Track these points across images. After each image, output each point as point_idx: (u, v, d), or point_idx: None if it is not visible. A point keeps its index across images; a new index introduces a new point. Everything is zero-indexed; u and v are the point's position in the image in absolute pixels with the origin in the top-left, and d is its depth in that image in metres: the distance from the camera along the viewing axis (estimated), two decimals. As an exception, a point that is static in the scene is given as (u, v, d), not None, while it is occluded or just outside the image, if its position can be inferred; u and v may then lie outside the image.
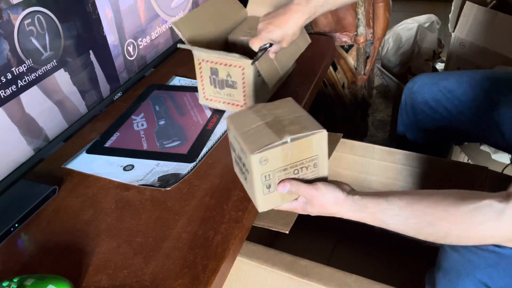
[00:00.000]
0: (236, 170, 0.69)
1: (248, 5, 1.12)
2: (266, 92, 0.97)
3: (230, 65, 0.89)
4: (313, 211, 0.64)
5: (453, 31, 1.58)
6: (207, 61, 0.91)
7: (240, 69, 0.89)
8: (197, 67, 0.94)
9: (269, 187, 0.61)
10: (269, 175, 0.60)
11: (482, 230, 0.55)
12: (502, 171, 0.94)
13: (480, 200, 0.55)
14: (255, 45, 0.84)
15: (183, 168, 0.82)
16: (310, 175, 0.63)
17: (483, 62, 1.44)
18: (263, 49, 0.84)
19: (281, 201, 0.64)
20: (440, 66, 1.97)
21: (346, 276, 0.71)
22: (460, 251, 0.71)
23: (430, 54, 1.86)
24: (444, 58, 1.92)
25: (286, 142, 0.58)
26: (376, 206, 0.60)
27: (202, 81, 0.96)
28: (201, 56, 0.92)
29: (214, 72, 0.92)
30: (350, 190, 0.63)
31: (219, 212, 0.72)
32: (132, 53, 1.08)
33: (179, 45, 0.91)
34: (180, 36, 0.91)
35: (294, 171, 0.61)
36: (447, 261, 0.73)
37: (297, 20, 0.82)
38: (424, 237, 0.59)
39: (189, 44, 0.90)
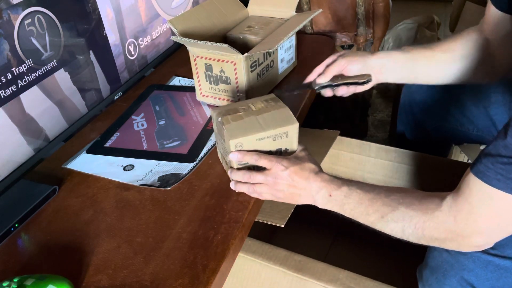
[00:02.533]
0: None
1: (249, 4, 1.12)
2: (262, 88, 0.98)
3: (223, 61, 0.89)
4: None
5: (453, 31, 1.58)
6: (202, 57, 0.92)
7: (232, 65, 0.89)
8: (192, 63, 0.95)
9: None
10: None
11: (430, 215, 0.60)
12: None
13: (433, 194, 0.61)
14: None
15: (183, 168, 0.82)
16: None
17: (483, 62, 1.44)
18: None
19: None
20: (440, 66, 1.97)
21: (338, 272, 0.72)
22: (450, 250, 0.70)
23: (430, 54, 1.86)
24: (444, 58, 1.91)
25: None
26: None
27: (198, 77, 0.96)
28: (195, 52, 0.92)
29: (208, 68, 0.93)
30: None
31: (219, 212, 0.72)
32: (133, 53, 1.08)
33: (172, 37, 0.91)
34: (173, 29, 0.91)
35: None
36: (436, 259, 0.73)
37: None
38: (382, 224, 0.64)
39: (180, 36, 0.90)
